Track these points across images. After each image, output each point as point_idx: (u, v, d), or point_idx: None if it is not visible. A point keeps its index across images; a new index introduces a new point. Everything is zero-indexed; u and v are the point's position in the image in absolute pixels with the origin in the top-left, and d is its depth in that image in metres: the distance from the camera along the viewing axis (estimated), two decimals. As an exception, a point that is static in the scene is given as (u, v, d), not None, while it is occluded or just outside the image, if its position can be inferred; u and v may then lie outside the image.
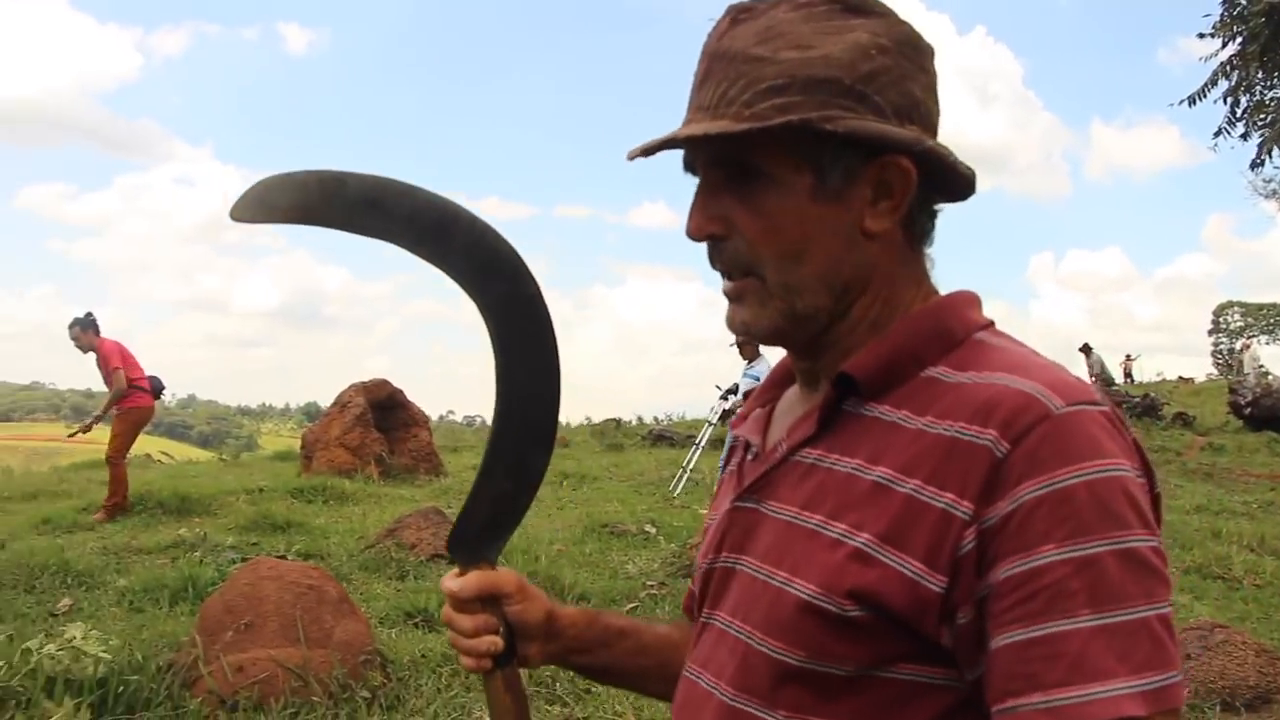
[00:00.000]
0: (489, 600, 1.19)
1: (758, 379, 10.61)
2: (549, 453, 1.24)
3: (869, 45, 0.93)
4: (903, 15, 0.98)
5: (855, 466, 0.93)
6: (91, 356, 9.59)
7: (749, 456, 1.10)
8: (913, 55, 0.97)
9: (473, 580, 1.18)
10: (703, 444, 12.78)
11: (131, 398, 9.56)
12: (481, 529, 1.21)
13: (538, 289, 1.19)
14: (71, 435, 10.12)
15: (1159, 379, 33.42)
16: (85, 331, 9.52)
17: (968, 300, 1.01)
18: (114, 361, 9.47)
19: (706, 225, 0.99)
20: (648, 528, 8.91)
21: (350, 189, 1.12)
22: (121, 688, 3.98)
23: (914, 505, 0.87)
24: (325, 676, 4.32)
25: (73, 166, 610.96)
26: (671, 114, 1.04)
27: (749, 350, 10.79)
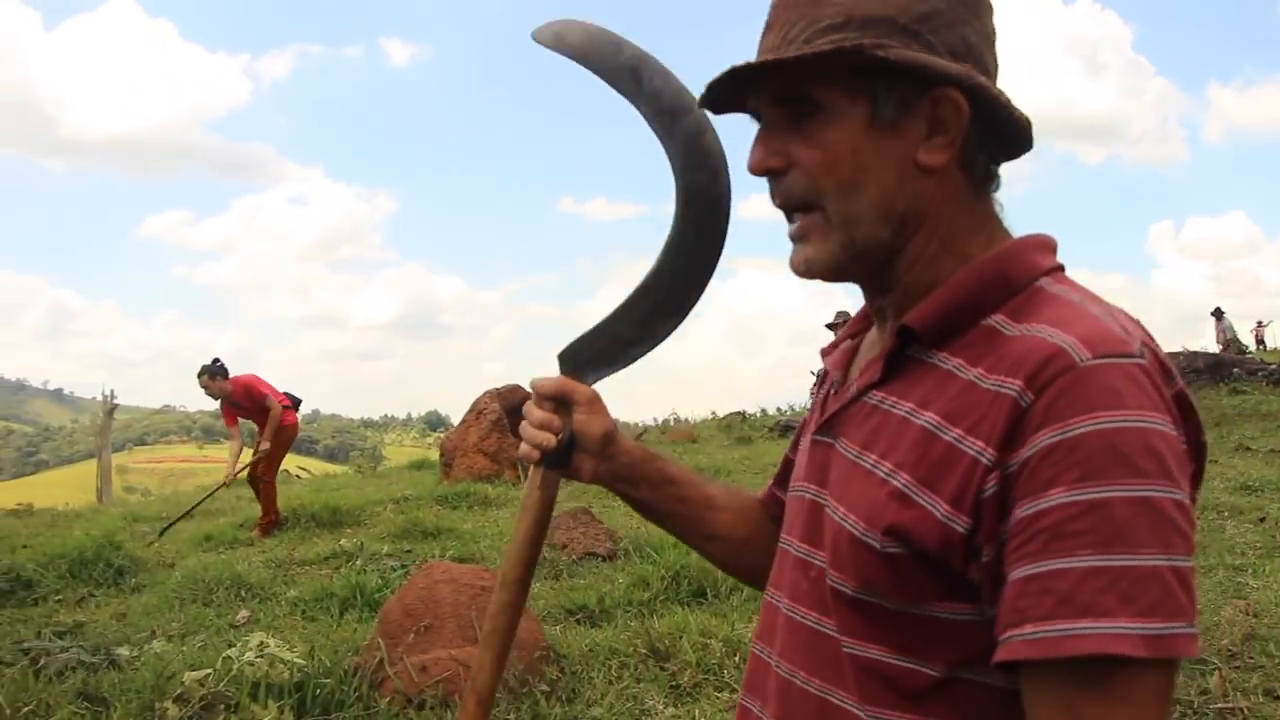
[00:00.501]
0: (563, 404, 1.30)
1: None
2: (677, 323, 1.39)
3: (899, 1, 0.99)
4: None
5: (909, 410, 0.98)
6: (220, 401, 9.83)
7: (832, 390, 1.16)
8: (970, 3, 1.02)
9: (553, 381, 1.31)
10: None
11: (285, 417, 9.96)
12: (592, 354, 1.35)
13: (729, 190, 1.34)
14: (243, 468, 10.17)
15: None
16: (214, 379, 9.83)
17: (1037, 244, 1.03)
18: (261, 389, 9.87)
19: (766, 159, 1.04)
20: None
21: (624, 54, 1.34)
22: (318, 691, 4.17)
23: (953, 452, 0.92)
24: (504, 673, 4.44)
25: (191, 193, 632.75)
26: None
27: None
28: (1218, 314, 24.23)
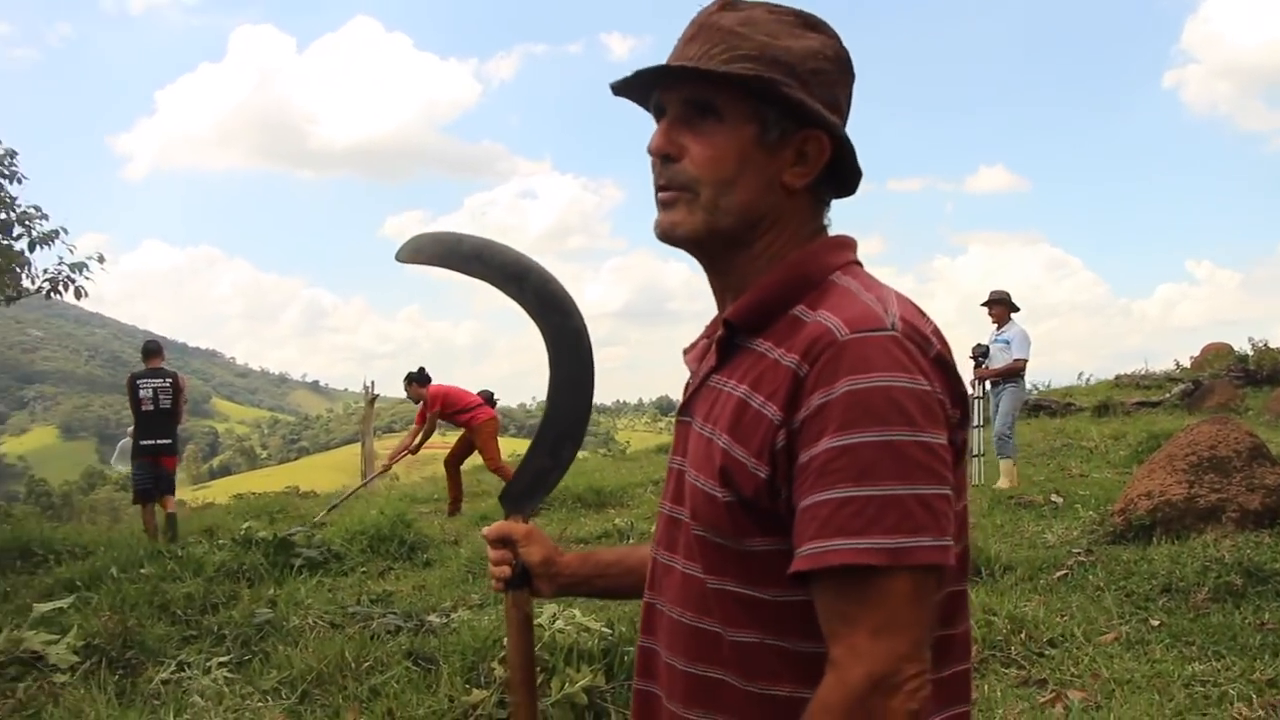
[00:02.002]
0: (508, 541, 1.59)
1: (1008, 343, 10.09)
2: (578, 445, 1.70)
3: (818, 51, 1.25)
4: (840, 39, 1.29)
5: (731, 387, 1.22)
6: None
7: (690, 380, 1.37)
8: (843, 69, 1.29)
9: (495, 527, 1.61)
10: (979, 419, 10.72)
11: (474, 414, 11.19)
12: (522, 490, 1.66)
13: (583, 324, 1.66)
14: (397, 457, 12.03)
15: None
16: (411, 385, 11.32)
17: (836, 244, 1.29)
18: (442, 402, 11.12)
19: (665, 146, 1.26)
20: (1054, 497, 8.68)
21: (465, 245, 1.67)
22: (624, 657, 4.44)
23: (752, 415, 1.16)
24: None
25: (426, 193, 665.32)
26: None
27: (998, 313, 10.22)
28: None
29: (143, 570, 6.98)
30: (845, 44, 1.30)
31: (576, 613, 4.72)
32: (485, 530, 1.64)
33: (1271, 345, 19.61)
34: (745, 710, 1.20)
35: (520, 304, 1.65)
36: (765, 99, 1.22)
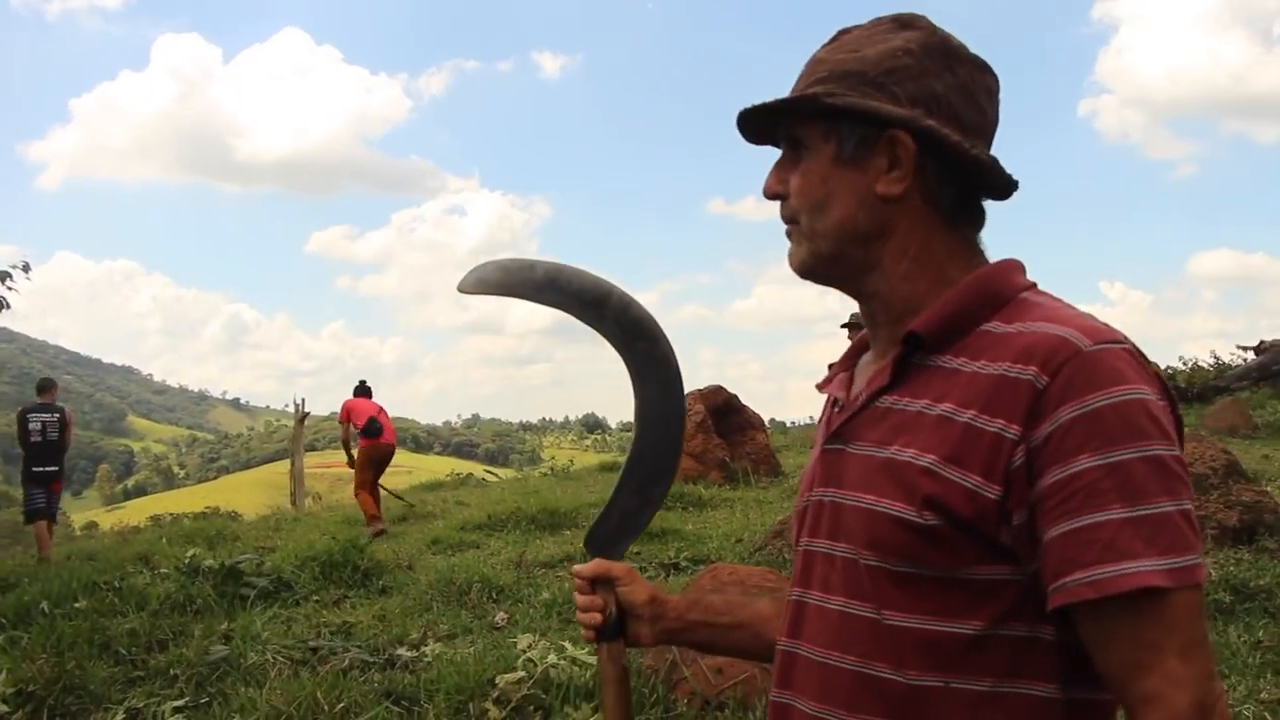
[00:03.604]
0: (604, 583, 1.48)
1: None
2: (670, 482, 1.58)
3: (899, 49, 1.18)
4: (944, 29, 1.22)
5: (923, 406, 1.13)
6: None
7: (835, 409, 1.30)
8: (940, 58, 1.19)
9: (590, 565, 1.50)
10: None
11: (361, 441, 11.61)
12: (610, 532, 1.54)
13: (671, 350, 1.55)
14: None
15: None
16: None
17: (1012, 267, 1.21)
18: (348, 415, 11.79)
19: (773, 186, 1.26)
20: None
21: (538, 272, 1.53)
22: (625, 692, 4.16)
23: (971, 432, 1.07)
24: None
25: (353, 209, 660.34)
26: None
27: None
28: None
29: (78, 604, 6.50)
30: (948, 32, 1.23)
31: (567, 644, 4.43)
32: (578, 568, 1.51)
33: (1202, 364, 20.07)
34: None
35: (600, 332, 1.53)
36: (829, 116, 1.19)
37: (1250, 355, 17.38)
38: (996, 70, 1.24)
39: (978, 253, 1.23)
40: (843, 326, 10.39)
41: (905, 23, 1.22)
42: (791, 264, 1.26)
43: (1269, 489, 7.65)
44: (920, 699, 1.10)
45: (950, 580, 1.09)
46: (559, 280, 1.52)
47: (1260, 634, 5.01)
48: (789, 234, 1.26)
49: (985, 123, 1.22)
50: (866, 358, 1.32)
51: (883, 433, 1.16)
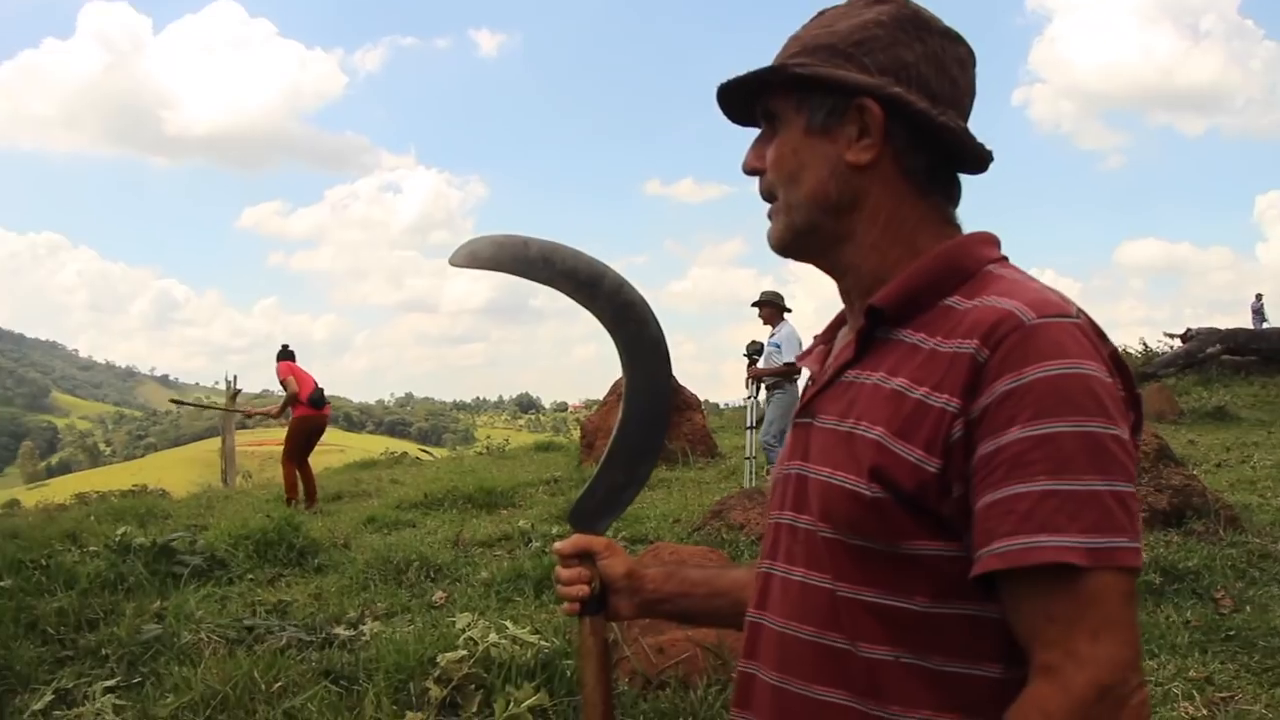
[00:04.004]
0: (585, 557, 1.48)
1: (778, 346, 9.92)
2: (655, 460, 1.59)
3: (870, 21, 1.20)
4: (916, 3, 1.23)
5: (879, 379, 1.14)
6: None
7: (810, 384, 1.31)
8: (910, 29, 1.20)
9: (572, 540, 1.50)
10: (752, 420, 10.59)
11: (298, 409, 11.21)
12: (595, 506, 1.54)
13: (661, 332, 1.54)
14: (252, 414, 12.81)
15: None
16: (279, 361, 11.44)
17: (982, 239, 1.21)
18: (288, 374, 11.22)
19: (751, 161, 1.27)
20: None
21: (532, 250, 1.52)
22: (566, 671, 4.16)
23: (920, 408, 1.08)
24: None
25: (286, 184, 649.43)
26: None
27: (768, 314, 10.08)
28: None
29: (2, 583, 6.32)
30: (921, 5, 1.24)
31: (508, 624, 4.42)
32: (559, 545, 1.50)
33: (1131, 350, 20.50)
34: None
35: (592, 311, 1.53)
36: (799, 87, 1.20)
37: (1177, 343, 17.78)
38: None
39: (950, 224, 1.24)
40: (753, 305, 10.22)
41: None
42: (770, 241, 1.26)
43: (1196, 473, 7.88)
44: (874, 672, 1.11)
45: (896, 555, 1.10)
46: (553, 259, 1.52)
47: (1189, 614, 5.17)
48: (769, 213, 1.26)
49: (957, 93, 1.23)
50: (843, 331, 1.33)
51: (844, 405, 1.18)
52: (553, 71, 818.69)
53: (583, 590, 1.46)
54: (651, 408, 1.56)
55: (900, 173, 1.20)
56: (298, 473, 11.19)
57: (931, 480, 1.06)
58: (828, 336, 1.36)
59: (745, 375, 10.27)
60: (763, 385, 10.24)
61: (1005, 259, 1.20)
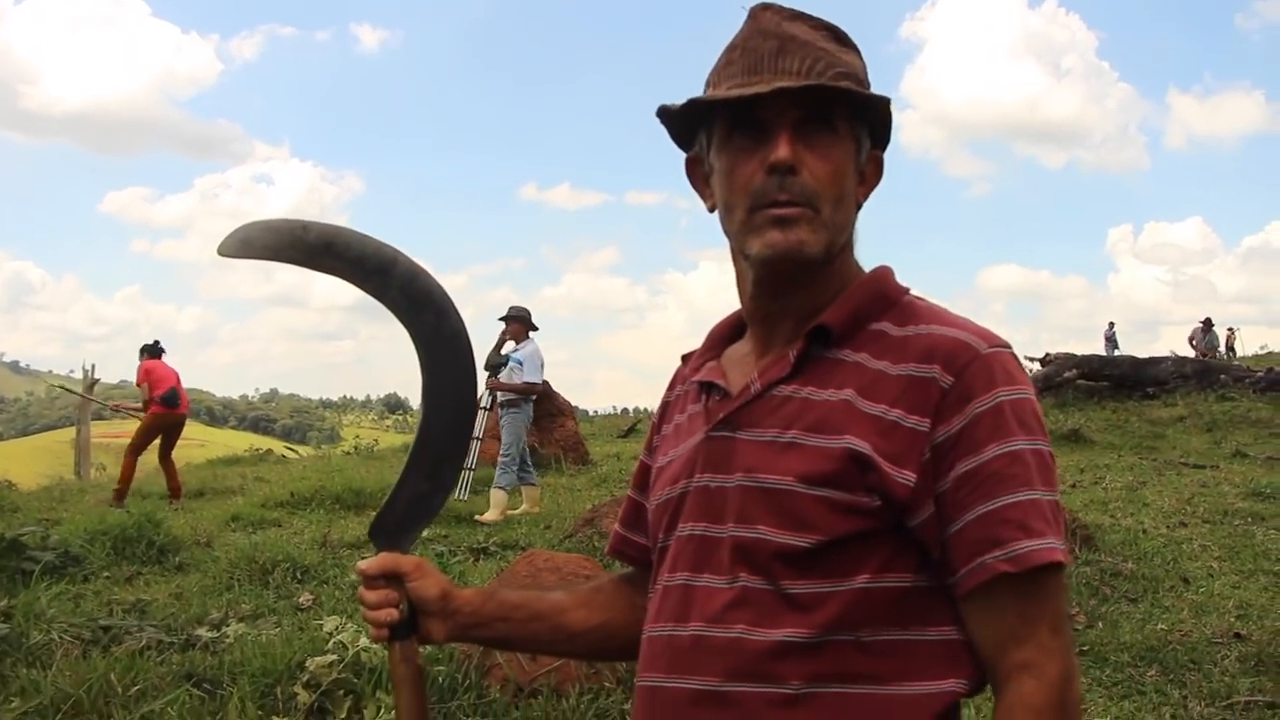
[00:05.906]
0: (393, 579, 1.37)
1: (520, 363, 9.63)
2: (460, 465, 1.49)
3: (861, 69, 1.25)
4: None
5: (829, 394, 1.19)
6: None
7: (715, 397, 1.30)
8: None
9: (377, 560, 1.38)
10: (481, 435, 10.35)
11: (153, 408, 11.05)
12: (398, 521, 1.42)
13: (462, 324, 1.43)
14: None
15: (1264, 351, 30.97)
16: (142, 360, 11.24)
17: (891, 271, 1.30)
18: (147, 377, 11.07)
19: (795, 156, 1.18)
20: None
21: (311, 234, 1.37)
22: (439, 678, 4.13)
23: (881, 423, 1.14)
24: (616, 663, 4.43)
25: (154, 170, 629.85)
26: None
27: (515, 330, 9.86)
28: (1207, 323, 24.55)
29: None
30: None
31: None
32: (362, 565, 1.38)
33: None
34: None
35: (384, 303, 1.41)
36: (859, 119, 1.24)
37: (1036, 366, 18.46)
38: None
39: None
40: (500, 320, 9.93)
41: (847, 41, 1.26)
42: (798, 249, 1.19)
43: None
44: (830, 658, 1.14)
45: (844, 545, 1.15)
46: (336, 245, 1.38)
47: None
48: (791, 215, 1.19)
49: None
50: (739, 349, 1.35)
51: (785, 418, 1.20)
52: (434, 71, 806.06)
53: (391, 614, 1.36)
54: (455, 407, 1.44)
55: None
56: (162, 469, 11.01)
57: (908, 495, 1.14)
58: (715, 352, 1.37)
59: (483, 389, 9.89)
60: (497, 398, 10.04)
61: (909, 289, 1.30)
